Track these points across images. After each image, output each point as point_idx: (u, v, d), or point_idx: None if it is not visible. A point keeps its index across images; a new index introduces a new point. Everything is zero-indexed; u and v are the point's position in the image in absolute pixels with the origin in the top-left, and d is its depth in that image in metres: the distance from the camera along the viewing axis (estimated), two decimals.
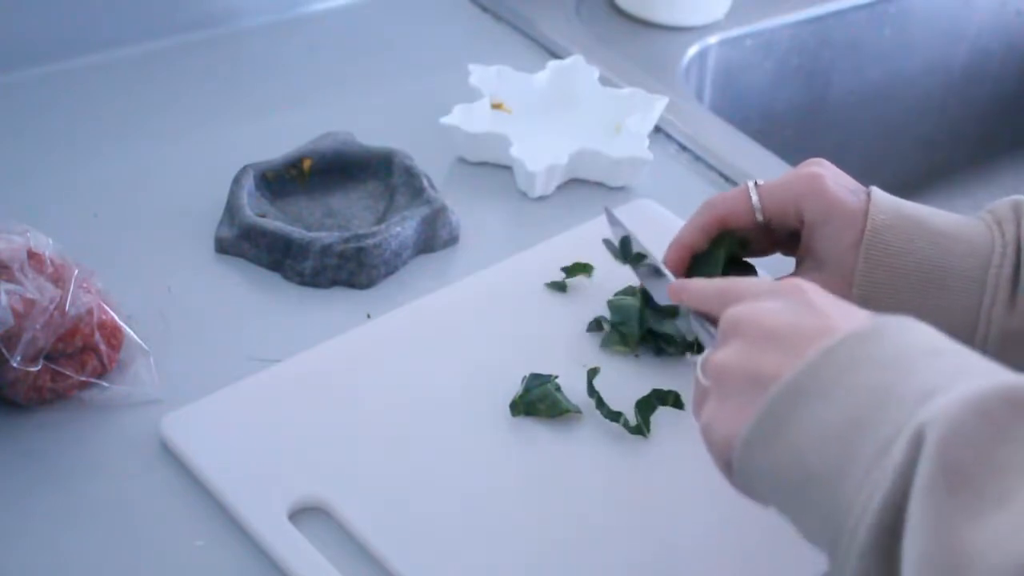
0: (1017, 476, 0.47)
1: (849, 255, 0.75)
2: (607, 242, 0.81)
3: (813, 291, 0.60)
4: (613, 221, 0.82)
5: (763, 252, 0.81)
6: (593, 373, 0.77)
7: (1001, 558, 0.45)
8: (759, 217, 0.78)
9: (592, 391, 0.76)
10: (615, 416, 0.75)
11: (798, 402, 0.54)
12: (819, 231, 0.76)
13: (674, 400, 0.77)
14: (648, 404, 0.76)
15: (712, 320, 0.68)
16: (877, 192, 0.76)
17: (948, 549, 0.46)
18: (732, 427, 0.57)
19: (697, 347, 0.79)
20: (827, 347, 0.54)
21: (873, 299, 0.73)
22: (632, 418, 0.75)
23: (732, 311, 0.61)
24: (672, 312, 0.80)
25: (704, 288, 0.69)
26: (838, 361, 0.54)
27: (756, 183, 0.78)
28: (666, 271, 0.77)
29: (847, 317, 0.58)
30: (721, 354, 0.60)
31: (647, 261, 0.79)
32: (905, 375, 0.52)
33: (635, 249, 0.80)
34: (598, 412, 0.75)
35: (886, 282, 0.73)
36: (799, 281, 0.61)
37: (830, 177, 0.76)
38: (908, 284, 0.73)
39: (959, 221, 0.75)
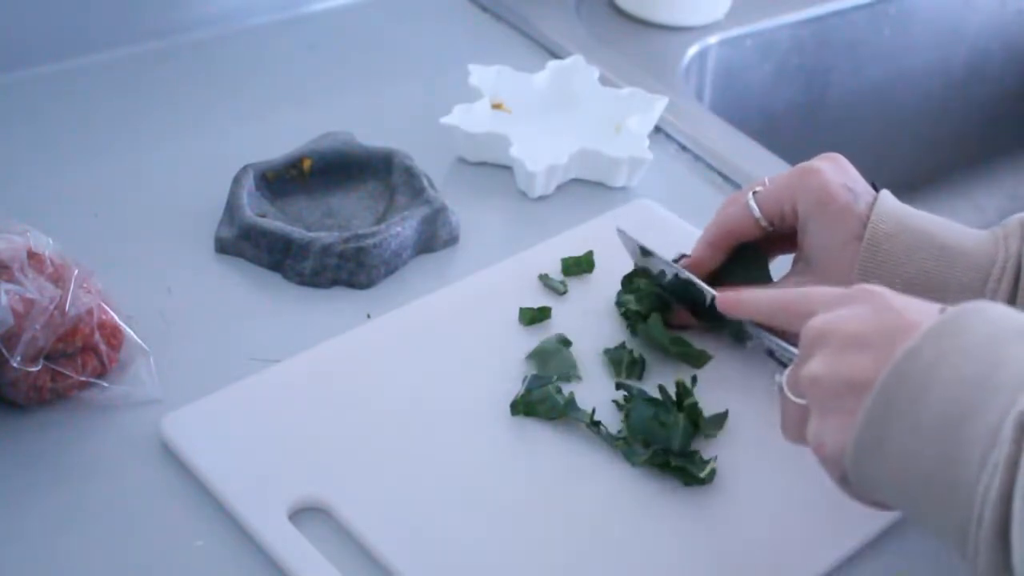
0: None
1: (841, 253, 0.74)
2: (622, 235, 0.82)
3: (885, 293, 0.59)
4: (627, 240, 0.83)
5: (778, 254, 0.82)
6: (594, 419, 0.75)
7: None
8: (763, 223, 0.78)
9: (592, 423, 0.75)
10: (612, 440, 0.74)
11: (895, 405, 0.54)
12: (811, 226, 0.76)
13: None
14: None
15: (771, 330, 0.69)
16: (884, 197, 0.75)
17: None
18: (840, 439, 0.57)
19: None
20: (911, 346, 0.54)
21: None
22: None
23: (813, 323, 0.60)
24: (715, 320, 0.78)
25: (761, 300, 0.69)
26: (925, 358, 0.54)
27: (755, 191, 0.79)
28: (700, 283, 0.77)
29: (925, 312, 0.57)
30: (810, 367, 0.59)
31: (675, 274, 0.79)
32: (997, 362, 0.52)
33: (658, 266, 0.80)
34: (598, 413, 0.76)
35: None
36: (868, 286, 0.60)
37: (829, 172, 0.76)
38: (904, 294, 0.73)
39: (964, 234, 0.74)
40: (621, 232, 0.84)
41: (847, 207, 0.74)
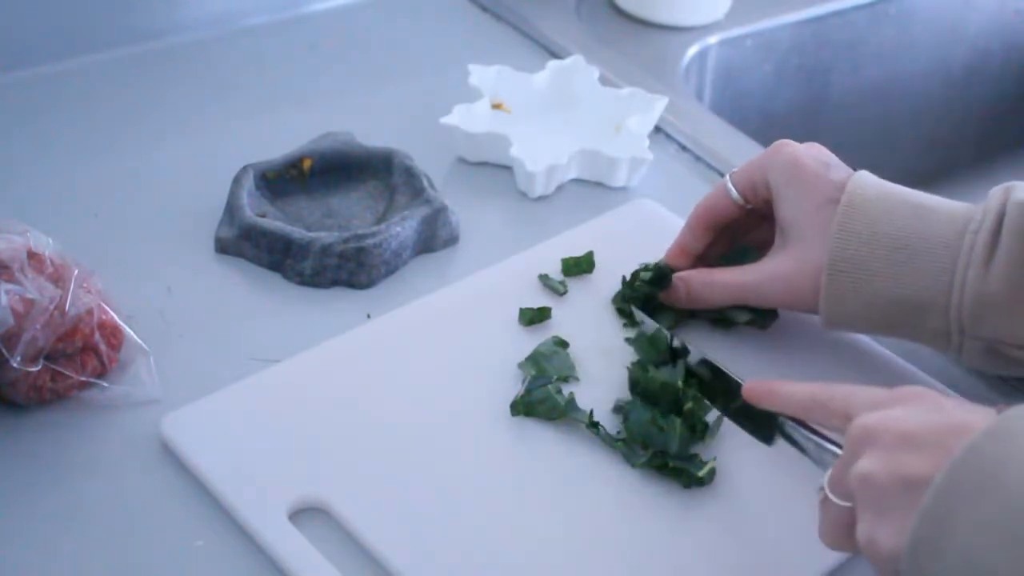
0: None
1: (816, 217, 0.75)
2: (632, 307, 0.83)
3: (933, 393, 0.60)
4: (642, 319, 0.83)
5: (761, 239, 0.82)
6: (593, 420, 0.75)
7: None
8: (739, 201, 0.80)
9: (592, 424, 0.75)
10: (612, 440, 0.74)
11: (956, 502, 0.53)
12: (783, 194, 0.77)
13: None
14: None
15: (801, 423, 0.68)
16: (862, 172, 0.77)
17: None
18: (897, 541, 0.56)
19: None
20: (972, 443, 0.54)
21: (843, 267, 0.74)
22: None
23: (860, 422, 0.59)
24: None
25: (797, 394, 0.67)
26: (987, 456, 0.53)
27: (732, 173, 0.81)
28: (728, 372, 0.75)
29: (976, 412, 0.57)
30: (861, 466, 0.58)
31: (702, 359, 0.77)
32: None
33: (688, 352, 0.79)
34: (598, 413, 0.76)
35: (859, 249, 0.73)
36: (915, 387, 0.60)
37: (800, 147, 0.78)
38: (882, 250, 0.73)
39: (944, 199, 0.75)
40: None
41: (818, 174, 0.76)
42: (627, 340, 0.81)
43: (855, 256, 0.74)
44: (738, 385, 0.73)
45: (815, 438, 0.67)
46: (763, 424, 0.71)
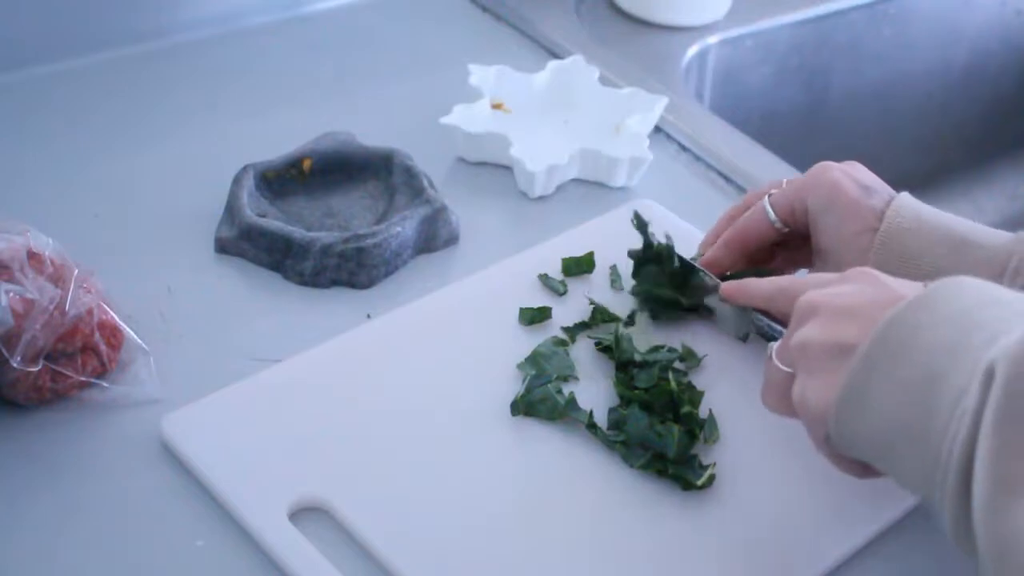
0: None
1: (854, 243, 0.75)
2: (636, 219, 0.84)
3: (878, 273, 0.63)
4: (641, 224, 0.84)
5: (796, 263, 0.83)
6: (592, 421, 0.75)
7: None
8: (778, 225, 0.80)
9: (591, 424, 0.75)
10: (609, 441, 0.74)
11: (878, 366, 0.57)
12: (822, 220, 0.77)
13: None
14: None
15: (770, 316, 0.75)
16: (904, 195, 0.76)
17: (1011, 475, 0.50)
18: (825, 398, 0.60)
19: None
20: (895, 312, 0.58)
21: None
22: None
23: (807, 296, 0.64)
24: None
25: (762, 285, 0.74)
26: (907, 323, 0.57)
27: (771, 194, 0.80)
28: (706, 272, 0.81)
29: (912, 286, 0.61)
30: (800, 333, 0.63)
31: (682, 261, 0.82)
32: (971, 328, 0.55)
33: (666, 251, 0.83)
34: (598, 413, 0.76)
35: None
36: (862, 268, 0.64)
37: (841, 170, 0.77)
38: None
39: (984, 231, 0.74)
40: (636, 213, 0.85)
41: (858, 200, 0.76)
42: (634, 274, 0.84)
43: None
44: (715, 285, 0.80)
45: (774, 323, 0.76)
46: (740, 324, 0.81)
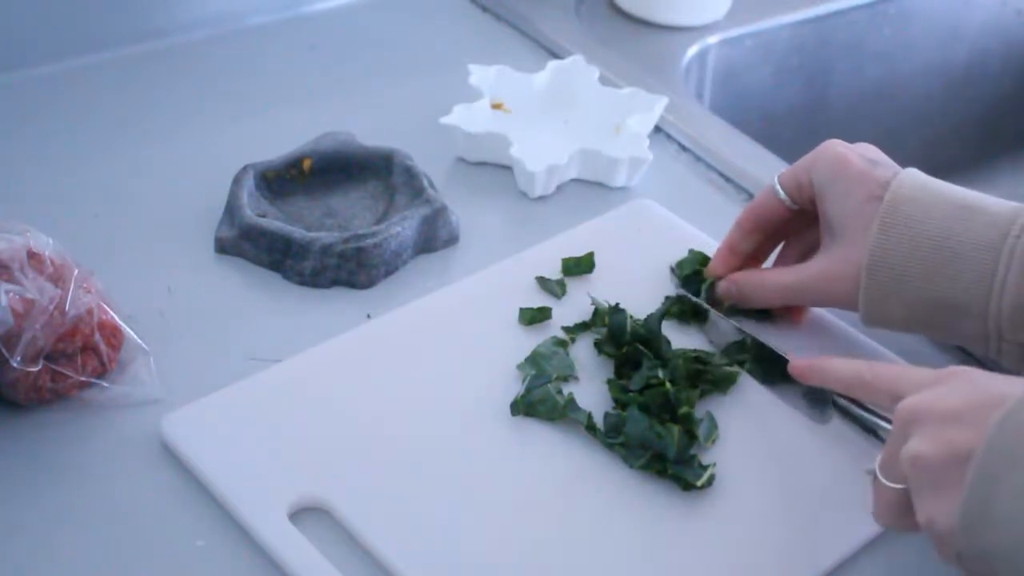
0: None
1: (860, 213, 0.75)
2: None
3: (972, 371, 0.60)
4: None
5: (809, 243, 0.82)
6: (591, 422, 0.75)
7: None
8: (787, 201, 0.80)
9: (590, 425, 0.75)
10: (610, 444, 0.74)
11: (996, 475, 0.54)
12: (828, 192, 0.77)
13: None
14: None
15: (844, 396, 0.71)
16: (910, 169, 0.77)
17: None
18: (952, 516, 0.57)
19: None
20: (1004, 415, 0.55)
21: (884, 264, 0.73)
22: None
23: (905, 405, 0.61)
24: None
25: (841, 371, 0.69)
26: (1018, 424, 0.54)
27: (781, 173, 0.81)
28: (773, 347, 0.79)
29: (1014, 383, 0.58)
30: (910, 447, 0.59)
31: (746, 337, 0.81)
32: None
33: (727, 330, 0.82)
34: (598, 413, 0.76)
35: (899, 249, 0.73)
36: (957, 367, 0.61)
37: (846, 146, 0.78)
38: (922, 251, 0.73)
39: (991, 199, 0.74)
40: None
41: (863, 171, 0.76)
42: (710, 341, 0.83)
43: (895, 256, 0.73)
44: (784, 362, 0.75)
45: (868, 416, 0.71)
46: (817, 401, 0.76)
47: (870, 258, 0.74)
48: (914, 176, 0.76)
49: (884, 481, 0.62)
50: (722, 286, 0.82)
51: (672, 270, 0.87)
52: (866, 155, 0.77)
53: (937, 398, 0.59)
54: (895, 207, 0.74)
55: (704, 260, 0.85)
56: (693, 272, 0.85)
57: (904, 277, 0.73)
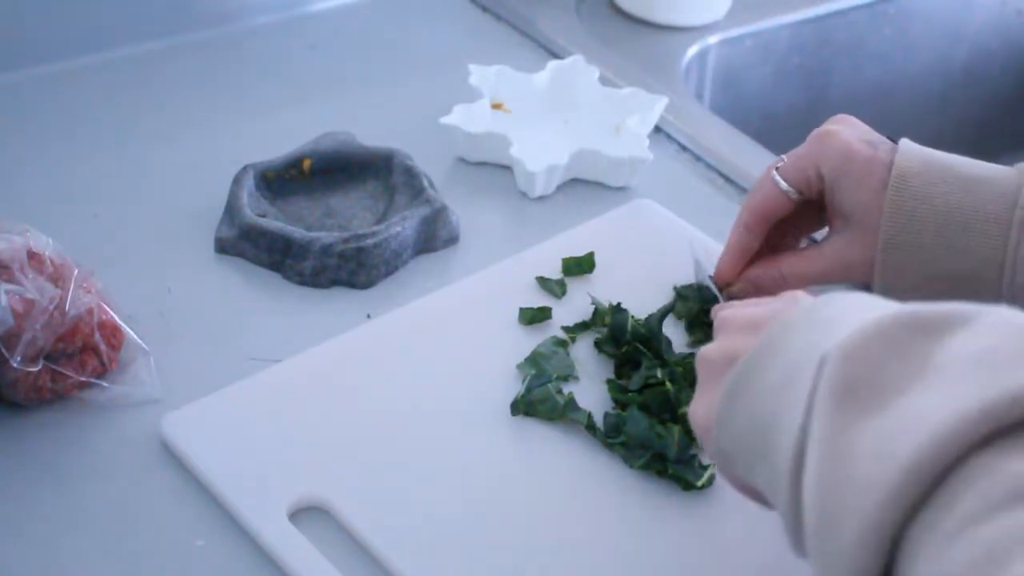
0: (902, 383, 0.48)
1: (872, 203, 0.75)
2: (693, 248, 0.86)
3: (800, 294, 0.61)
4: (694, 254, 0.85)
5: (815, 228, 0.82)
6: (591, 422, 0.75)
7: (877, 462, 0.46)
8: (793, 195, 0.79)
9: (590, 425, 0.75)
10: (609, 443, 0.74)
11: (752, 372, 0.55)
12: (839, 184, 0.77)
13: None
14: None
15: None
16: (906, 142, 0.77)
17: (837, 456, 0.48)
18: (708, 410, 0.59)
19: None
20: (771, 326, 0.56)
21: (896, 244, 0.74)
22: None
23: (721, 312, 0.63)
24: None
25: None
26: (781, 332, 0.55)
27: (777, 167, 0.80)
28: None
29: (828, 300, 0.58)
30: (704, 349, 0.62)
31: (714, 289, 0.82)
32: (832, 329, 0.53)
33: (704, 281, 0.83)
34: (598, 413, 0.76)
35: (909, 226, 0.74)
36: (796, 292, 0.62)
37: (845, 131, 0.78)
38: (931, 226, 0.73)
39: (988, 167, 0.75)
40: (693, 248, 0.86)
41: (871, 159, 0.76)
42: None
43: (906, 233, 0.74)
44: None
45: None
46: None
47: (883, 239, 0.74)
48: (913, 151, 0.76)
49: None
50: (738, 287, 0.81)
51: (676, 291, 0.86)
52: (863, 137, 0.78)
53: (745, 309, 0.62)
54: (901, 186, 0.74)
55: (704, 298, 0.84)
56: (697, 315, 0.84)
57: (917, 253, 0.74)
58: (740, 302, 0.66)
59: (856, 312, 0.53)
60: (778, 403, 0.53)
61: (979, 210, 0.73)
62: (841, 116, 0.79)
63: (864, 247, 0.76)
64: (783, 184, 0.79)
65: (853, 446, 0.47)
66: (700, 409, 0.60)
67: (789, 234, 0.83)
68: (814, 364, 0.51)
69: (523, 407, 0.75)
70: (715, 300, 0.81)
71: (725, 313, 0.63)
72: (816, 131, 0.79)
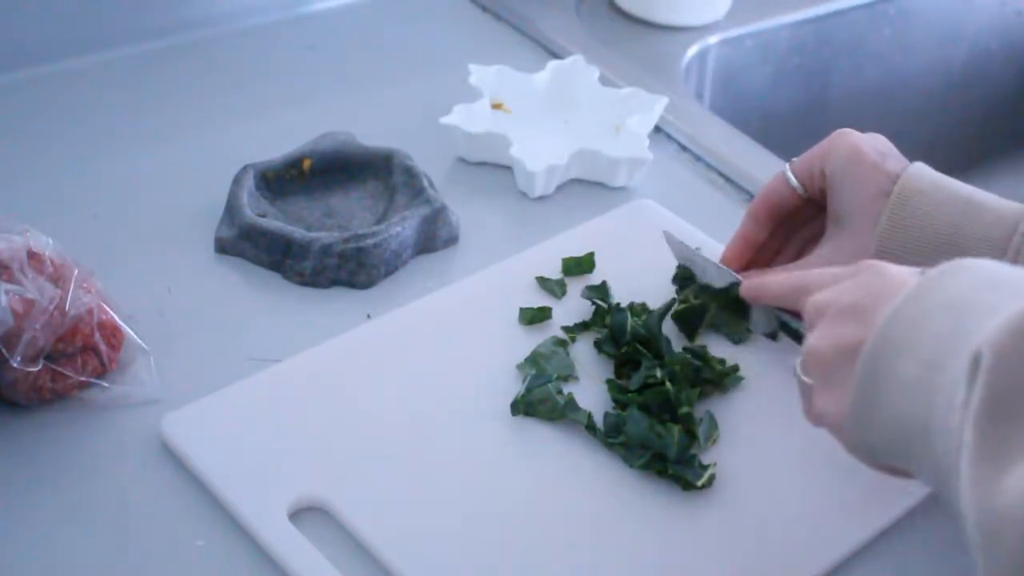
0: None
1: (870, 208, 0.75)
2: (668, 236, 0.85)
3: (882, 264, 0.61)
4: (672, 242, 0.85)
5: (817, 232, 0.82)
6: (591, 422, 0.75)
7: None
8: (799, 189, 0.80)
9: (590, 425, 0.75)
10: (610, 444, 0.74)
11: (882, 365, 0.55)
12: (840, 184, 0.77)
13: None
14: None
15: (793, 314, 0.73)
16: (918, 164, 0.77)
17: (988, 489, 0.47)
18: (840, 408, 0.58)
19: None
20: (893, 309, 0.55)
21: (890, 259, 0.73)
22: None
23: (813, 299, 0.62)
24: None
25: (776, 284, 0.72)
26: (905, 318, 0.55)
27: (791, 162, 0.81)
28: (726, 271, 0.81)
29: (910, 275, 0.59)
30: (808, 342, 0.61)
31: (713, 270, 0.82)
32: (968, 312, 0.52)
33: (699, 265, 0.83)
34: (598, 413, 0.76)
35: (906, 244, 0.74)
36: (871, 261, 0.62)
37: (859, 136, 0.78)
38: (928, 247, 0.74)
39: (996, 198, 0.75)
40: (667, 234, 0.85)
41: (876, 165, 0.76)
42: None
43: (901, 250, 0.74)
44: (736, 285, 0.79)
45: (790, 319, 0.74)
46: (765, 322, 0.80)
47: (877, 250, 0.75)
48: (923, 171, 0.76)
49: (802, 377, 0.63)
50: (741, 291, 0.81)
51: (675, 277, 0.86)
52: (878, 147, 0.78)
53: (838, 293, 0.61)
54: (903, 201, 0.74)
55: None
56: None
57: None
58: (825, 277, 0.65)
59: (986, 291, 0.53)
60: (928, 402, 0.52)
61: (976, 234, 0.73)
62: (872, 133, 0.79)
63: (851, 253, 0.76)
64: (791, 178, 0.80)
65: (1005, 486, 0.47)
66: (830, 407, 0.59)
67: (791, 243, 0.84)
68: (961, 361, 0.50)
69: (523, 407, 0.75)
70: (726, 276, 0.81)
71: (819, 299, 0.62)
72: (836, 131, 0.79)
